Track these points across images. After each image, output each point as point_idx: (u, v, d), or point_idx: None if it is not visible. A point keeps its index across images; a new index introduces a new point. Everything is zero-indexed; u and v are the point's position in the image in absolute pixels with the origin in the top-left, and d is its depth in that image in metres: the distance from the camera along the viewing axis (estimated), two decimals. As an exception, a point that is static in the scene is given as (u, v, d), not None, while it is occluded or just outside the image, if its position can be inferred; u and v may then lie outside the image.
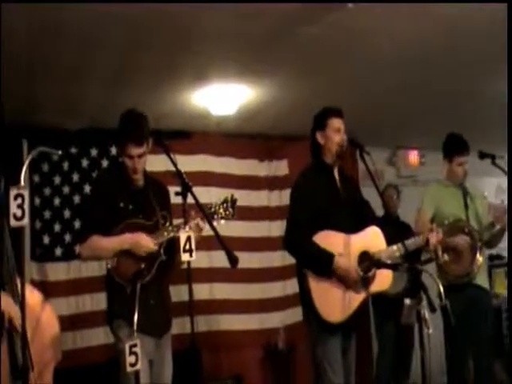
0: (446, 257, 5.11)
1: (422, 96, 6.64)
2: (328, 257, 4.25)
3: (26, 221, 2.96)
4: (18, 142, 6.54)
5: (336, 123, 4.51)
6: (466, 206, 5.44)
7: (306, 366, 7.14)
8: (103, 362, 6.45)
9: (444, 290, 3.55)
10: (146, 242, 3.97)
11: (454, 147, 5.57)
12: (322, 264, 4.27)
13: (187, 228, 3.77)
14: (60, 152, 3.62)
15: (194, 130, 7.48)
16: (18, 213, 2.93)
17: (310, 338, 4.44)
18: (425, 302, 3.71)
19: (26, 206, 2.95)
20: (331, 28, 4.81)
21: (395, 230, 5.83)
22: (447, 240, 5.07)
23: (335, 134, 4.49)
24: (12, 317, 3.34)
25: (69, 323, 6.43)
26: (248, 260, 7.21)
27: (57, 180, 6.91)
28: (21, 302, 3.11)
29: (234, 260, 3.51)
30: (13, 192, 2.95)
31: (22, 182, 3.04)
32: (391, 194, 7.24)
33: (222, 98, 6.37)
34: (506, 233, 5.29)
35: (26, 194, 2.96)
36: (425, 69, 5.77)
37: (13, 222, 2.95)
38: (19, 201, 2.93)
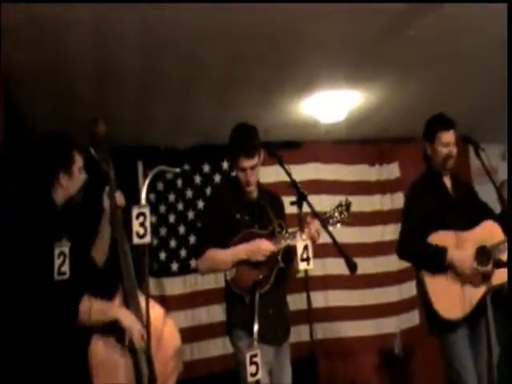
0: None
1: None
2: (440, 251, 4.27)
3: (148, 238, 3.06)
4: (133, 163, 6.82)
5: (445, 137, 4.49)
6: None
7: (423, 370, 7.08)
8: (220, 373, 6.64)
9: None
10: (264, 245, 4.03)
11: None
12: (436, 259, 4.28)
13: (304, 236, 3.74)
14: (178, 170, 3.75)
15: (303, 139, 7.58)
16: (141, 231, 3.03)
17: (438, 340, 4.44)
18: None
19: (148, 224, 3.06)
20: (441, 27, 4.80)
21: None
22: None
23: (443, 147, 4.49)
24: (131, 336, 3.50)
25: (186, 335, 6.54)
26: (362, 266, 7.14)
27: (171, 197, 7.22)
28: (146, 317, 3.23)
29: (352, 266, 3.49)
30: (135, 211, 3.07)
31: (144, 201, 3.17)
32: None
33: (330, 105, 6.42)
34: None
35: (148, 212, 3.07)
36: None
37: (136, 240, 3.06)
38: (141, 219, 3.03)
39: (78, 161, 3.67)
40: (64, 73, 5.05)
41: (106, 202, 3.74)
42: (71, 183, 3.63)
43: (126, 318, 3.51)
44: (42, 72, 4.99)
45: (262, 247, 4.02)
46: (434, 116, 4.59)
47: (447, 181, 4.58)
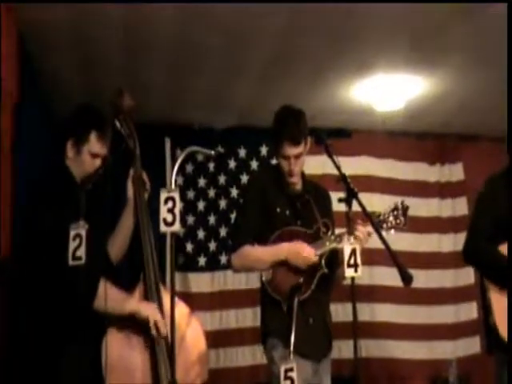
0: None
1: None
2: None
3: (177, 226, 2.97)
4: (159, 141, 6.82)
5: None
6: None
7: (481, 404, 6.95)
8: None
9: None
10: (306, 253, 3.95)
11: None
12: (505, 274, 4.13)
13: (352, 239, 3.61)
14: (213, 152, 3.69)
15: (354, 128, 7.51)
16: (169, 218, 2.94)
17: (494, 360, 4.29)
18: None
19: (177, 211, 2.97)
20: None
21: None
22: None
23: None
24: (157, 322, 3.46)
25: (212, 340, 6.47)
26: (414, 278, 7.04)
27: (201, 182, 7.19)
28: (170, 315, 3.15)
29: (408, 278, 3.38)
30: (163, 195, 2.98)
31: (173, 185, 3.08)
32: None
33: (388, 91, 6.36)
34: None
35: (177, 197, 2.98)
36: None
37: (163, 228, 2.96)
38: (170, 205, 2.94)
39: (94, 145, 3.63)
40: (91, 38, 5.07)
41: (130, 191, 3.71)
42: (78, 160, 3.62)
43: (146, 309, 3.47)
44: (69, 37, 5.02)
45: (304, 254, 3.96)
46: None
47: None
